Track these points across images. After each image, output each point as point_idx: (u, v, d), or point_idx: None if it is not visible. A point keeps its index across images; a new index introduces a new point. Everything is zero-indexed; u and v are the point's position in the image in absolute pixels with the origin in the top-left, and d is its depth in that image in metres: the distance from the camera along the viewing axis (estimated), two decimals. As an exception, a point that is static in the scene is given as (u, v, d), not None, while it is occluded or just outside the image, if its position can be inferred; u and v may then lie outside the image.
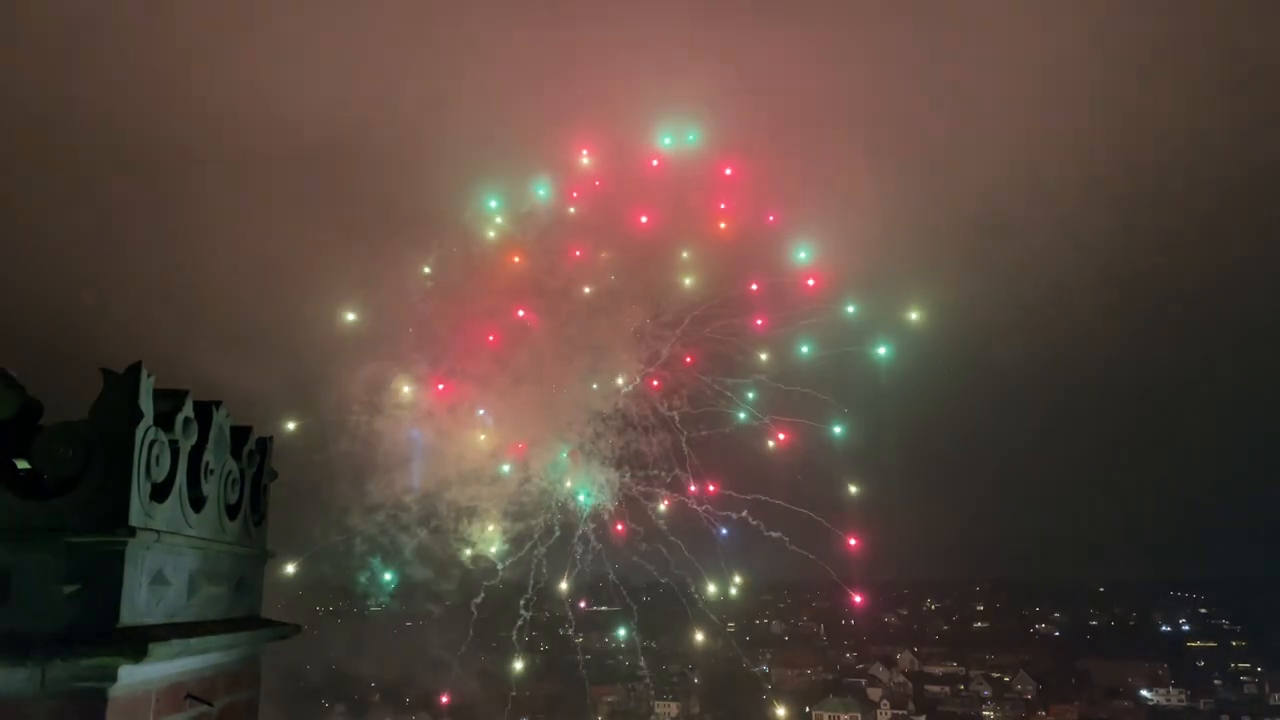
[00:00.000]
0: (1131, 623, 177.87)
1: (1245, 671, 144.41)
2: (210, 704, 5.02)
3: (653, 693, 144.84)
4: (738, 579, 65.25)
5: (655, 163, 65.05)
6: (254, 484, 6.04)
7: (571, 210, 64.11)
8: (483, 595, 66.26)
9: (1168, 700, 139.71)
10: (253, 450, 5.95)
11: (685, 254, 63.54)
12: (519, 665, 67.58)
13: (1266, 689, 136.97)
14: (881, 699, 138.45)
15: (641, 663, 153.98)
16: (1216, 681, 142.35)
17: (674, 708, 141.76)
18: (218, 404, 5.41)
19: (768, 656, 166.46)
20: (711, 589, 65.08)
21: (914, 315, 62.35)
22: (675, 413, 62.74)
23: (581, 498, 64.22)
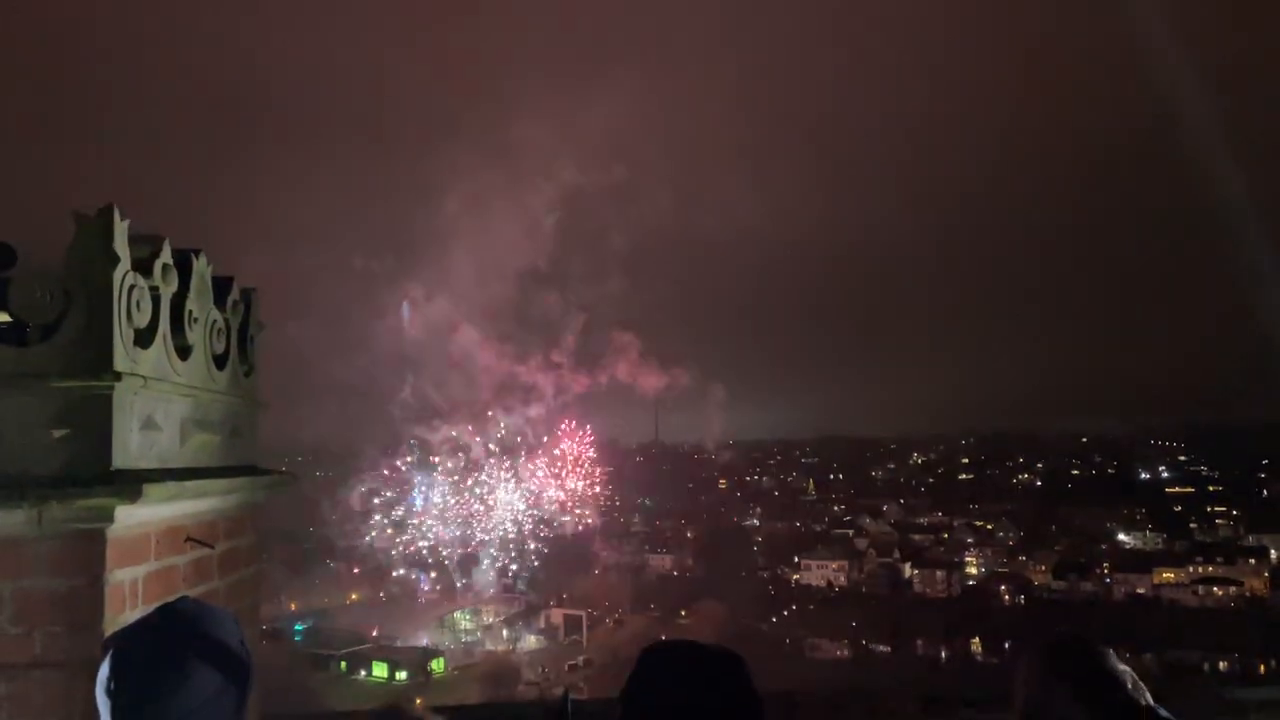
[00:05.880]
0: (1111, 471, 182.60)
1: (1221, 515, 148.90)
2: (211, 546, 5.09)
3: (647, 546, 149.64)
4: None
5: None
6: (240, 335, 5.95)
7: None
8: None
9: (1144, 543, 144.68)
10: (237, 300, 5.84)
11: None
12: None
13: (1240, 530, 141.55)
14: (868, 548, 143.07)
15: (636, 518, 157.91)
16: (1192, 525, 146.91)
17: (667, 560, 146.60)
18: (197, 252, 5.27)
19: (758, 510, 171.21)
20: None
21: None
22: None
23: None
